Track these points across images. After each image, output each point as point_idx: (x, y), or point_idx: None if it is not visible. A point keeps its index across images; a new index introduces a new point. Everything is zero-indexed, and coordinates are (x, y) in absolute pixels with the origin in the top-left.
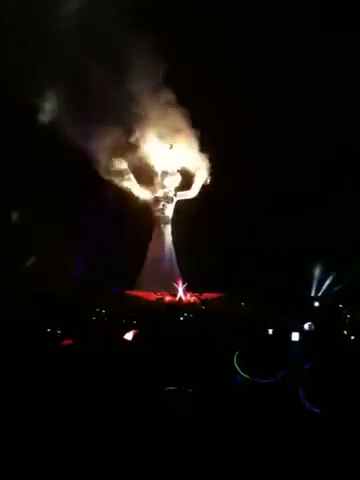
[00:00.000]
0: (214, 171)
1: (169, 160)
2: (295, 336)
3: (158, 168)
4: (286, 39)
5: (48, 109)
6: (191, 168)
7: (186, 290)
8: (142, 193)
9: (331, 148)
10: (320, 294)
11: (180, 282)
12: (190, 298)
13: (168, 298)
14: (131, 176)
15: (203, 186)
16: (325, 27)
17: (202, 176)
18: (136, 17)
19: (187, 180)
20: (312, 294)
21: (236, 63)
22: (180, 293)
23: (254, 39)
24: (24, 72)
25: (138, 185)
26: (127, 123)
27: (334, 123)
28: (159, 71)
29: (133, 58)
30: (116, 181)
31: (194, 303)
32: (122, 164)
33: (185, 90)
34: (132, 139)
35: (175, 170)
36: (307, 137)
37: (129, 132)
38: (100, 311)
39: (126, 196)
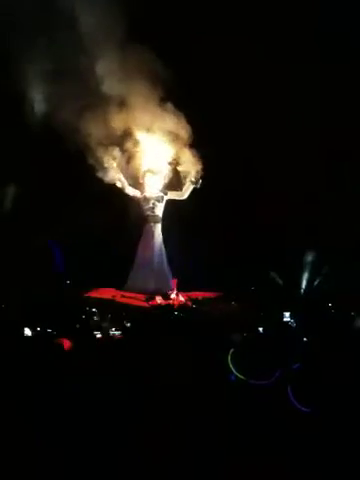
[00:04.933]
0: (206, 171)
1: (157, 158)
2: (287, 317)
3: (145, 166)
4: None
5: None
6: (182, 168)
7: (179, 291)
8: (133, 192)
9: (325, 149)
10: (309, 292)
11: (173, 283)
12: (181, 299)
13: (159, 298)
14: (121, 177)
15: (195, 188)
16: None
17: (193, 179)
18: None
19: (178, 180)
20: (302, 291)
21: (234, 53)
22: (172, 294)
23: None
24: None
25: (127, 184)
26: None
27: (333, 122)
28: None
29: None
30: (106, 180)
31: (186, 303)
32: (112, 164)
33: (178, 84)
34: (120, 133)
35: (163, 169)
36: (302, 135)
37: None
38: (90, 310)
39: (116, 193)
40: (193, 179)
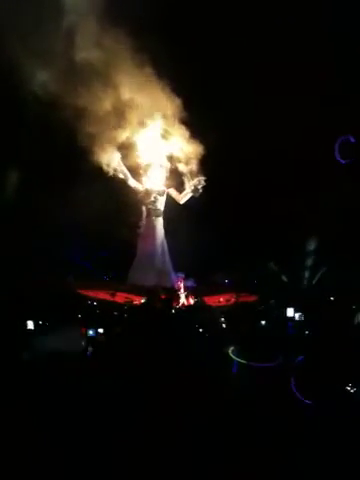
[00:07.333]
0: (207, 164)
1: (157, 152)
2: (290, 312)
3: (146, 160)
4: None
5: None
6: (182, 165)
7: (189, 293)
8: (135, 184)
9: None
10: (310, 285)
11: (179, 283)
12: (191, 301)
13: (162, 296)
14: (124, 169)
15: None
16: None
17: (193, 187)
18: None
19: (179, 175)
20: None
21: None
22: (182, 298)
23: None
24: None
25: (130, 175)
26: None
27: (336, 120)
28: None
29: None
30: (109, 174)
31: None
32: (115, 158)
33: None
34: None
35: (163, 163)
36: (305, 132)
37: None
38: (92, 303)
39: (119, 187)
40: (194, 188)
